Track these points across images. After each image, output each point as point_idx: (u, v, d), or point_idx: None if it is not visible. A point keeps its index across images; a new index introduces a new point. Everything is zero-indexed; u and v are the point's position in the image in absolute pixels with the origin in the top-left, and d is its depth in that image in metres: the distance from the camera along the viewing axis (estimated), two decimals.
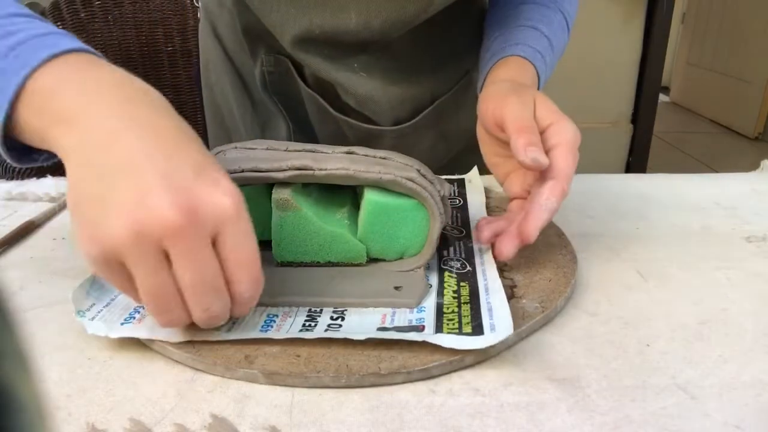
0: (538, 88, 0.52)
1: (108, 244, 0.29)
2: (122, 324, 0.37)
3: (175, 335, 0.35)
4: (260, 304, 0.39)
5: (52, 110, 0.32)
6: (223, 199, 0.30)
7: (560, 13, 0.57)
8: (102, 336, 0.36)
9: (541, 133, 0.42)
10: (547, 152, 0.41)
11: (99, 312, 0.38)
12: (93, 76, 0.33)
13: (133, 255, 0.29)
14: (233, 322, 0.37)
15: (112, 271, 0.30)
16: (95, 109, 0.31)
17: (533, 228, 0.41)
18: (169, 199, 0.28)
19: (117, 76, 0.33)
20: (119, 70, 0.34)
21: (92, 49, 0.35)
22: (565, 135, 0.42)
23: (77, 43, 0.34)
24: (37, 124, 0.32)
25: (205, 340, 0.35)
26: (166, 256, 0.30)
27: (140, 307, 0.38)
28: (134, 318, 0.37)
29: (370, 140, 0.64)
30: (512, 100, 0.44)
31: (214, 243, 0.31)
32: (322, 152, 0.43)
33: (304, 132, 0.67)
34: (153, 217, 0.28)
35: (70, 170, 0.31)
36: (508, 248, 0.42)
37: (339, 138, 0.66)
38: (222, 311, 0.32)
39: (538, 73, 0.52)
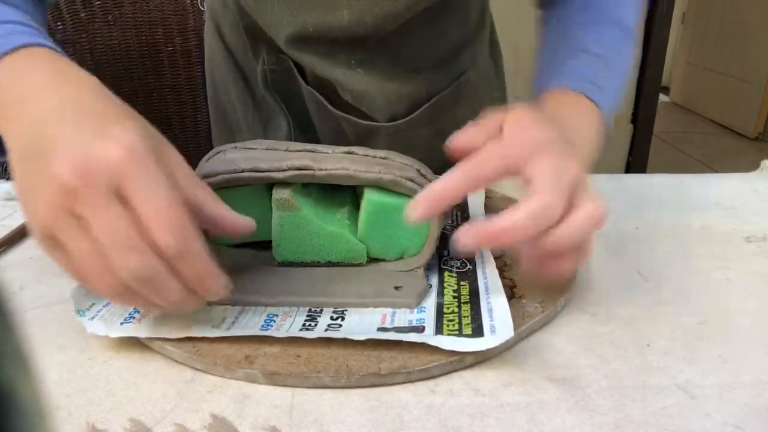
0: (603, 113, 0.46)
1: (38, 225, 0.30)
2: (122, 324, 0.37)
3: (174, 332, 0.36)
4: (260, 303, 0.39)
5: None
6: (112, 152, 0.30)
7: (612, 25, 0.52)
8: (102, 335, 0.36)
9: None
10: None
11: (99, 311, 0.38)
12: (33, 68, 0.35)
13: (56, 230, 0.30)
14: (233, 321, 0.37)
15: (54, 250, 0.31)
16: (27, 103, 0.33)
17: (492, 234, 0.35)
18: (66, 164, 0.29)
19: (54, 66, 0.35)
20: (60, 59, 0.36)
21: (46, 43, 0.36)
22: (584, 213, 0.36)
23: (33, 39, 0.36)
24: None
25: (204, 337, 0.35)
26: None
27: None
28: (134, 318, 0.37)
29: (367, 136, 0.64)
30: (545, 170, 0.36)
31: (124, 201, 0.30)
32: (322, 152, 0.43)
33: (304, 129, 0.68)
34: (55, 187, 0.29)
35: (10, 159, 0.32)
36: (465, 239, 0.36)
37: (338, 135, 0.66)
38: (149, 271, 0.30)
39: (593, 99, 0.45)
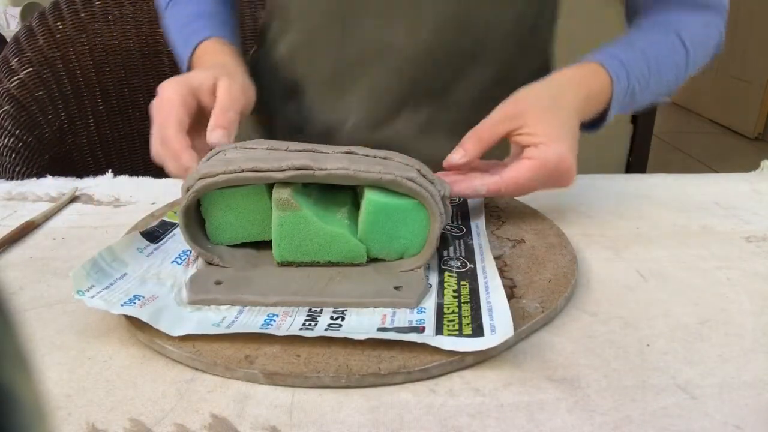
0: (614, 93, 0.53)
1: None
2: (122, 305, 0.37)
3: (174, 328, 0.36)
4: (260, 303, 0.39)
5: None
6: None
7: (673, 35, 0.58)
8: (102, 311, 0.36)
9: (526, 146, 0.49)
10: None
11: (99, 293, 0.38)
12: (209, 52, 0.61)
13: None
14: (233, 320, 0.37)
15: None
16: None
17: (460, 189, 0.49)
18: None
19: (216, 58, 0.60)
20: (222, 53, 0.60)
21: (218, 37, 0.62)
22: (538, 154, 0.48)
23: (210, 33, 0.62)
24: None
25: (204, 336, 0.35)
26: None
27: (140, 295, 0.39)
28: (134, 303, 0.37)
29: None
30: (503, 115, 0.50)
31: None
32: (322, 152, 0.43)
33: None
34: None
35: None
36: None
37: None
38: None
39: (611, 75, 0.53)
